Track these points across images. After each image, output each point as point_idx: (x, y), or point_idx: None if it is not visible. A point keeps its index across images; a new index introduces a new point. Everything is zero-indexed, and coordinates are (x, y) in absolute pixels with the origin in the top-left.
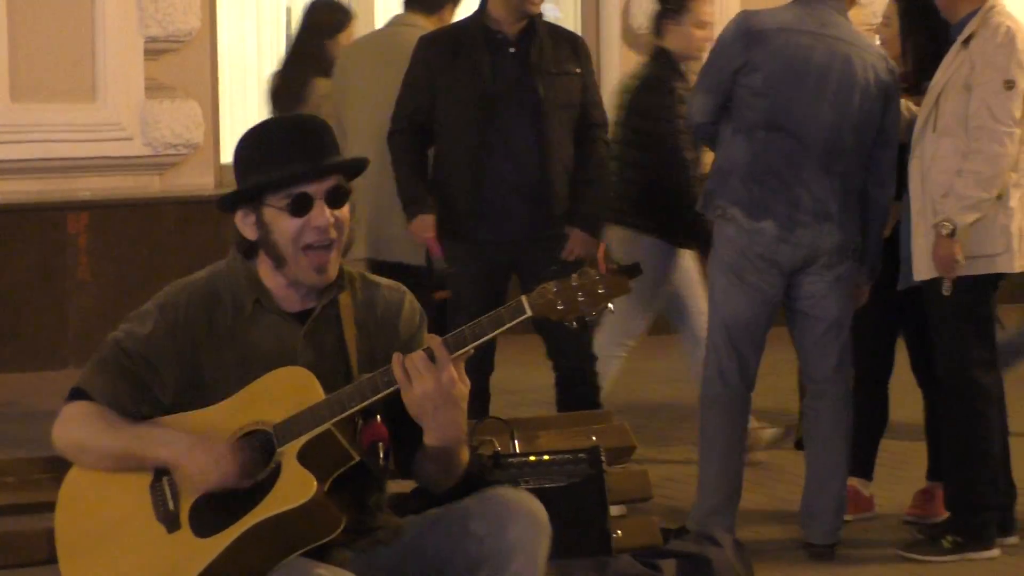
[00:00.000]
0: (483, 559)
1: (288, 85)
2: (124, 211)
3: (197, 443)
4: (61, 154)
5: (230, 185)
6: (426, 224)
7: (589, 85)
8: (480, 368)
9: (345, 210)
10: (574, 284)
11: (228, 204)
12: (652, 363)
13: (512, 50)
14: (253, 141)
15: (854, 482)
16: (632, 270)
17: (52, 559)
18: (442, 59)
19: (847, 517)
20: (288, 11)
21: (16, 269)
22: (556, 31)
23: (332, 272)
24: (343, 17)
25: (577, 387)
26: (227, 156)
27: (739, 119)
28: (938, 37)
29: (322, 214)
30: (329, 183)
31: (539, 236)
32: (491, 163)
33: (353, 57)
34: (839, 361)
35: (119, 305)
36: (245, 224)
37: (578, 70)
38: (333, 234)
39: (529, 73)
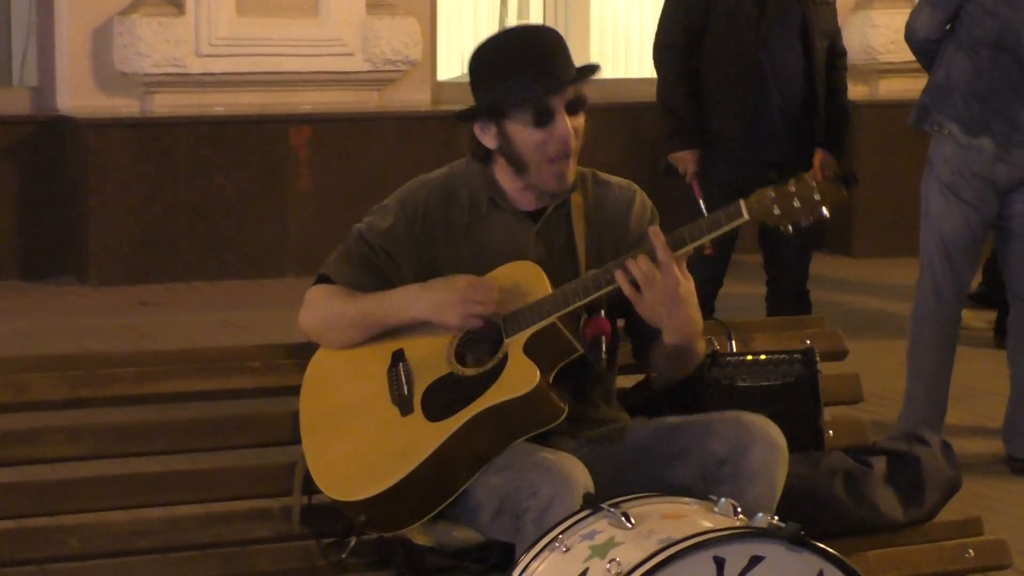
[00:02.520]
0: (722, 480)
1: None
2: (344, 125)
3: (445, 293)
4: (284, 68)
5: (447, 102)
6: (691, 159)
7: (835, 15)
8: (710, 283)
9: (582, 118)
10: (792, 190)
11: (468, 116)
12: None
13: None
14: (493, 55)
15: None
16: (849, 179)
17: (294, 440)
18: None
19: None
20: None
21: (239, 180)
22: None
23: (571, 179)
24: None
25: (788, 298)
26: (444, 73)
27: (964, 36)
28: None
29: (564, 125)
30: (569, 94)
31: (795, 158)
32: (763, 86)
33: None
34: None
35: (338, 216)
36: (484, 134)
37: (830, 0)
38: (573, 143)
39: (798, 0)
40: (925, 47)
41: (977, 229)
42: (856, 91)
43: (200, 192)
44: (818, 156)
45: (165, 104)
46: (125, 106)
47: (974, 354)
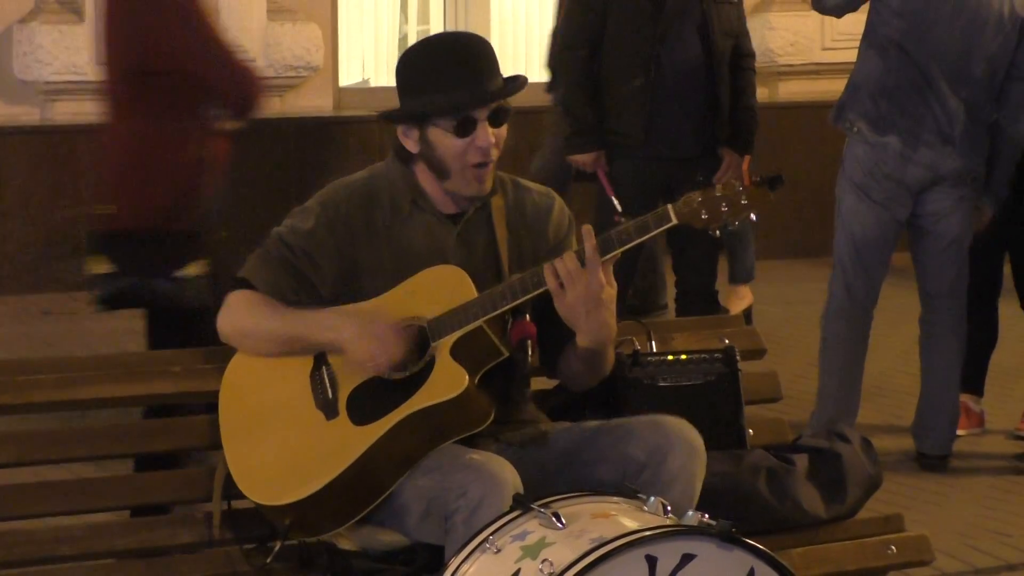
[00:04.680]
0: (641, 485)
1: None
2: (246, 130)
3: (364, 327)
4: None
5: (349, 107)
6: (590, 161)
7: (742, 16)
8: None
9: (504, 128)
10: (718, 194)
11: (392, 119)
12: None
13: None
14: (421, 61)
15: (965, 398)
16: (774, 182)
17: (216, 445)
18: None
19: (959, 432)
20: None
21: None
22: None
23: (489, 185)
24: None
25: (698, 299)
26: (346, 79)
27: (873, 35)
28: None
29: (485, 135)
30: (493, 105)
31: (701, 156)
32: (662, 83)
33: None
34: (956, 277)
35: (239, 222)
36: (407, 138)
37: (734, 0)
38: (494, 154)
39: None
40: (836, 12)
41: (889, 229)
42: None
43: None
44: (746, 161)
45: (66, 112)
46: (25, 114)
47: (882, 352)
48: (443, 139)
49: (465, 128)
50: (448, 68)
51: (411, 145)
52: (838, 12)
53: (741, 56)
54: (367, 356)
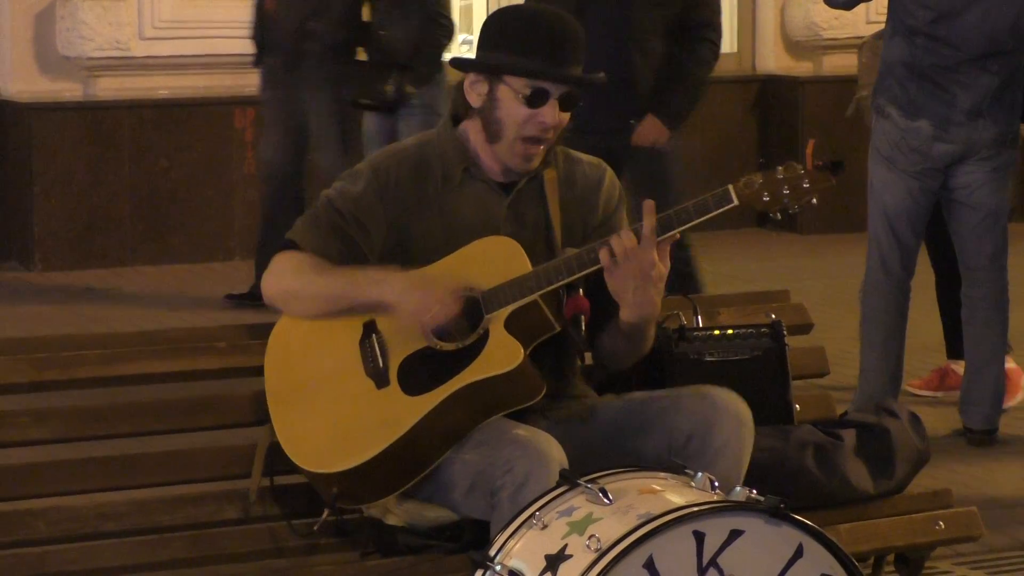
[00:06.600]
0: (688, 455)
1: None
2: None
3: (414, 281)
4: (228, 50)
5: None
6: None
7: None
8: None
9: (567, 116)
10: (780, 177)
11: (467, 65)
12: None
13: None
14: (517, 21)
15: (953, 364)
16: (837, 167)
17: (261, 420)
18: None
19: (923, 392)
20: None
21: (184, 163)
22: None
23: (535, 164)
24: None
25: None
26: None
27: (898, 22)
28: None
29: (552, 113)
30: (568, 87)
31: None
32: None
33: None
34: (996, 249)
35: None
36: (473, 89)
37: None
38: (551, 135)
39: None
40: (846, 6)
41: (920, 199)
42: (800, 67)
43: (144, 176)
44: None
45: (109, 88)
46: (68, 90)
47: (930, 327)
48: (510, 102)
49: (536, 99)
50: (538, 35)
51: (474, 99)
52: (848, 6)
53: (700, 26)
54: (419, 308)
